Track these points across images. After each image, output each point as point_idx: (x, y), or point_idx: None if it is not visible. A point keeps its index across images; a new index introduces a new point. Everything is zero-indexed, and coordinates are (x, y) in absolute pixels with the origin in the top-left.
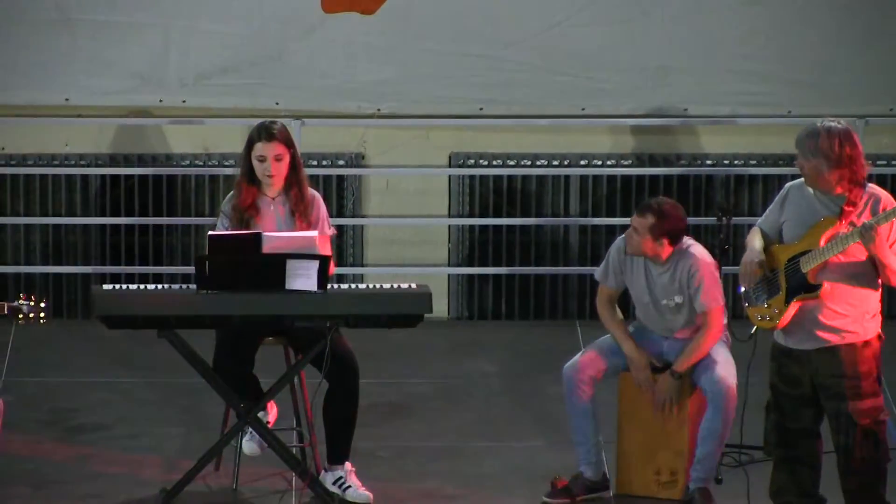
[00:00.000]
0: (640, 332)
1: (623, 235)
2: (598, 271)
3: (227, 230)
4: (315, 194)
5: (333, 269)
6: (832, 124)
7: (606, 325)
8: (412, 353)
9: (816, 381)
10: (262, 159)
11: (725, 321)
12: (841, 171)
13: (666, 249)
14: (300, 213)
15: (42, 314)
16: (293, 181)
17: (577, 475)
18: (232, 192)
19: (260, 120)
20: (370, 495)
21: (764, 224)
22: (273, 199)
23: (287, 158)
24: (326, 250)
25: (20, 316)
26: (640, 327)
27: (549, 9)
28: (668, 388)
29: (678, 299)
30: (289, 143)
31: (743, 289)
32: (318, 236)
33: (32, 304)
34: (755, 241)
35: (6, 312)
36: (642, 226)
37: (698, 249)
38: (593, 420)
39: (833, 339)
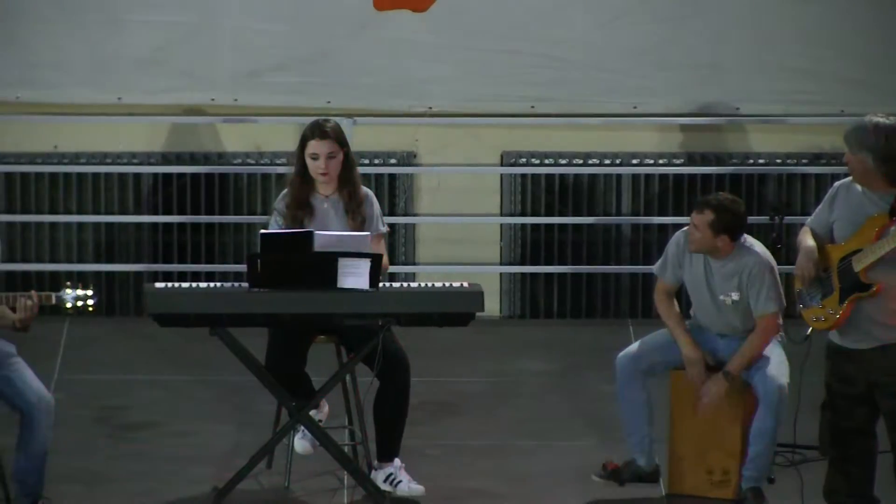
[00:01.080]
0: (696, 329)
1: (683, 230)
2: (656, 265)
3: (280, 228)
4: (368, 192)
5: (387, 268)
6: (880, 119)
7: (664, 319)
8: (463, 351)
9: (872, 380)
10: (315, 157)
11: (781, 322)
12: (888, 167)
13: (727, 245)
14: (353, 212)
15: (90, 301)
16: (346, 179)
17: (629, 461)
18: (286, 190)
19: (313, 118)
20: (422, 488)
21: (814, 223)
22: (326, 197)
23: (340, 157)
24: (380, 249)
25: (68, 305)
26: (696, 325)
27: (601, 6)
28: (719, 390)
29: (735, 296)
30: (342, 142)
31: (798, 289)
32: (372, 235)
33: (80, 292)
34: (807, 240)
35: (54, 302)
36: (702, 222)
37: (760, 248)
38: (645, 410)
39: (888, 337)
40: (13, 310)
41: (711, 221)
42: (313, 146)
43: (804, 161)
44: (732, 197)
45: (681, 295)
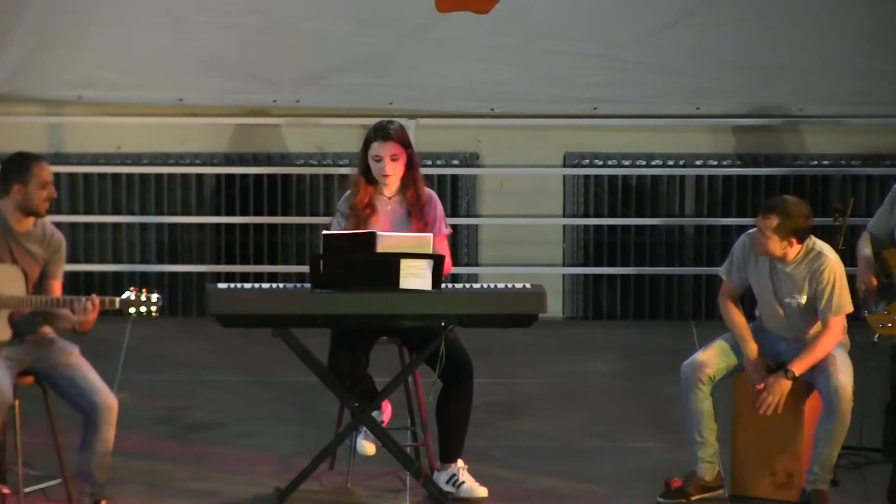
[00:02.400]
0: (760, 332)
1: (748, 232)
2: (722, 267)
3: (343, 229)
4: (432, 194)
5: (450, 268)
6: None
7: (727, 321)
8: (526, 352)
9: None
10: (378, 159)
11: (846, 325)
12: None
13: (794, 248)
14: (416, 213)
15: (154, 307)
16: (409, 181)
17: (691, 474)
18: (349, 191)
19: (375, 119)
20: (485, 490)
21: (874, 227)
22: (389, 198)
23: (403, 158)
24: (443, 250)
25: (132, 311)
26: (760, 328)
27: (665, 8)
28: (781, 389)
29: (801, 299)
30: (405, 143)
31: (862, 295)
32: (436, 236)
33: (144, 297)
34: (864, 250)
35: (118, 306)
36: (767, 227)
37: (828, 250)
38: (709, 419)
39: None
40: (73, 311)
41: (777, 226)
42: (376, 148)
43: (869, 162)
44: (797, 199)
45: (745, 297)
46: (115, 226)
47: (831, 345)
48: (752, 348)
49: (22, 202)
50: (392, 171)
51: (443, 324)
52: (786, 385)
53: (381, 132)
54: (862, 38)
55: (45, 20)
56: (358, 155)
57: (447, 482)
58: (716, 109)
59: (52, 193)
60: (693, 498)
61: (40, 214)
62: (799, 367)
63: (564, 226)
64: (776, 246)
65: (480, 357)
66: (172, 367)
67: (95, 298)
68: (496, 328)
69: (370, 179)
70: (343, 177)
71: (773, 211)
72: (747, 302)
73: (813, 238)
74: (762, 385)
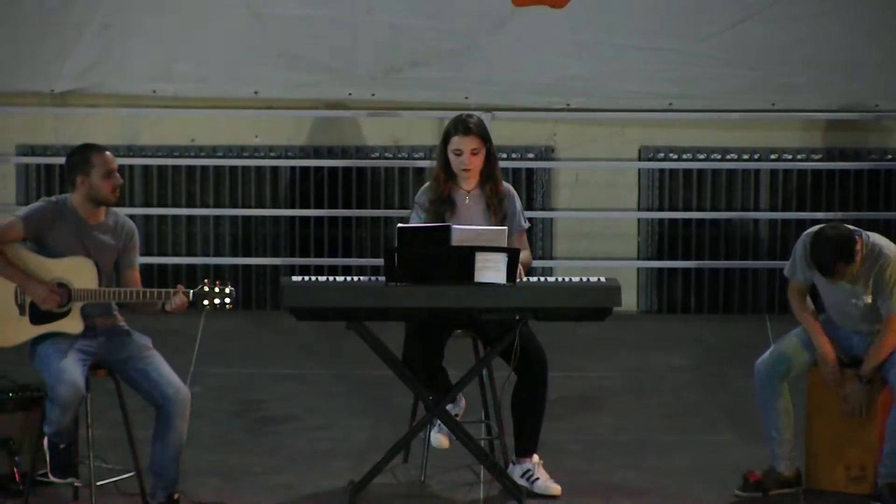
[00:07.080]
0: (830, 325)
1: (808, 231)
2: (786, 268)
3: (422, 222)
4: (510, 188)
5: (530, 261)
6: None
7: (798, 318)
8: (601, 346)
9: None
10: (459, 153)
11: None
12: None
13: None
14: (494, 207)
15: (228, 300)
16: (488, 175)
17: (769, 470)
18: (427, 185)
19: (451, 113)
20: (558, 487)
21: None
22: (468, 192)
23: (483, 152)
24: (523, 245)
25: (205, 302)
26: (830, 321)
27: (741, 3)
28: (859, 395)
29: (867, 299)
30: (485, 137)
31: None
32: (515, 231)
33: (217, 289)
34: None
35: (191, 299)
36: (848, 273)
37: (887, 246)
38: (786, 416)
39: None
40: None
41: (849, 266)
42: (456, 142)
43: None
44: (830, 229)
45: (815, 291)
46: (190, 218)
47: (894, 341)
48: (823, 343)
49: (89, 193)
50: (472, 165)
51: (517, 317)
52: (862, 389)
53: (461, 126)
54: None
55: (118, 14)
56: (436, 148)
57: (521, 476)
58: (791, 104)
59: (118, 181)
60: (771, 493)
61: (109, 203)
62: (868, 370)
63: (639, 219)
64: (857, 264)
65: (555, 350)
66: (246, 361)
67: (183, 298)
68: (571, 321)
69: (449, 173)
70: (419, 170)
71: (837, 263)
72: (817, 294)
73: (870, 236)
74: (834, 381)
